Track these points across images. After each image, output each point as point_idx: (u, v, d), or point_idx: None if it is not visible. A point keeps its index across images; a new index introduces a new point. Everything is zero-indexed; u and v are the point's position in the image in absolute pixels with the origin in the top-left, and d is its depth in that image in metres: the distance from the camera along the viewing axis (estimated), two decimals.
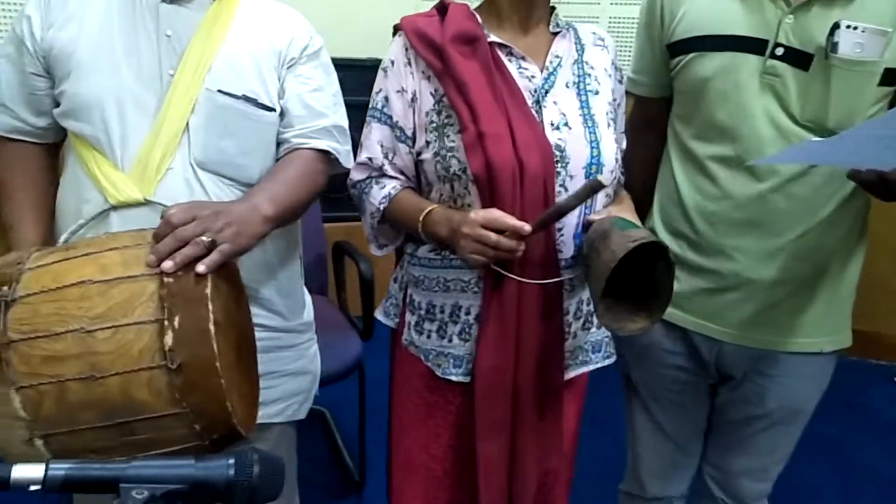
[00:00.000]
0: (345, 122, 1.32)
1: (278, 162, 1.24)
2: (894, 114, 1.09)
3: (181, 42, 1.16)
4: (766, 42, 1.20)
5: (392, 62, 1.27)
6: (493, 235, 1.12)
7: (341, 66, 2.96)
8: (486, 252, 1.14)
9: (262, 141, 1.22)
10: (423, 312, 1.32)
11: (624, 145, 1.41)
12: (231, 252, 0.98)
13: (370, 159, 1.30)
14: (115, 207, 1.12)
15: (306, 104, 1.25)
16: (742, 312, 1.30)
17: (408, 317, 1.35)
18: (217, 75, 1.17)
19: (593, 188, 1.08)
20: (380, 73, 1.30)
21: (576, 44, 1.30)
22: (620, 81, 1.36)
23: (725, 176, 1.26)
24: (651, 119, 1.44)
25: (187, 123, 1.14)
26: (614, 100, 1.32)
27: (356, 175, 1.34)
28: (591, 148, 1.21)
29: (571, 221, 1.21)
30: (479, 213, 1.15)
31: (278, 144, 1.26)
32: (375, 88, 1.30)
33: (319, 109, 1.26)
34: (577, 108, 1.24)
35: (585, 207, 1.22)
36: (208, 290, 0.90)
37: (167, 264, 0.90)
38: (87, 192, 1.15)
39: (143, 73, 1.15)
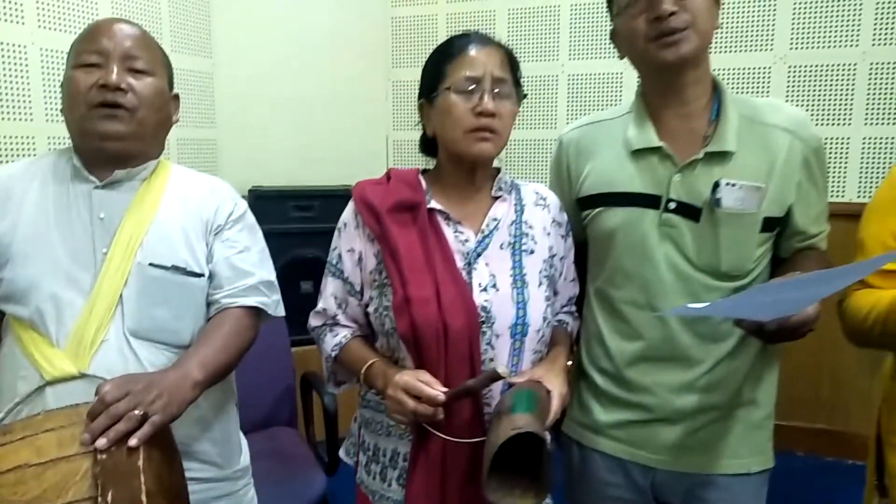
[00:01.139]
0: (271, 276, 1.42)
1: (208, 323, 1.33)
2: (770, 285, 1.21)
3: (113, 222, 1.27)
4: (660, 197, 1.33)
5: (345, 224, 1.40)
6: (410, 402, 1.19)
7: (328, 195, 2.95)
8: (405, 415, 1.21)
9: (192, 305, 1.31)
10: (370, 453, 1.39)
11: (576, 291, 1.50)
12: (162, 422, 1.05)
13: (325, 310, 1.41)
14: (50, 383, 1.18)
15: (233, 266, 1.35)
16: (669, 440, 1.37)
17: (360, 455, 1.42)
18: (148, 249, 1.27)
19: (492, 378, 1.18)
20: (336, 232, 1.42)
21: (516, 205, 1.40)
22: (565, 236, 1.45)
23: (637, 318, 1.36)
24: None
25: (121, 296, 1.23)
26: (553, 256, 1.40)
27: (313, 322, 1.45)
28: (518, 309, 1.30)
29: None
30: (402, 378, 1.22)
31: (209, 304, 1.34)
32: (332, 246, 1.42)
33: (246, 269, 1.36)
34: (508, 269, 1.33)
35: (513, 365, 1.30)
36: (140, 462, 0.97)
37: (100, 442, 0.97)
38: (22, 369, 1.21)
39: (77, 254, 1.24)
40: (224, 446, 1.39)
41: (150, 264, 1.26)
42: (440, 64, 1.32)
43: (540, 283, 1.34)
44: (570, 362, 1.40)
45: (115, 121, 1.26)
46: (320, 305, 1.42)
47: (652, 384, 1.36)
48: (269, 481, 1.57)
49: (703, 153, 1.30)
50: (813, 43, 2.71)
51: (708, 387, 1.34)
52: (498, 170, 1.41)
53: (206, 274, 1.33)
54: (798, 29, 2.73)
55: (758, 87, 2.80)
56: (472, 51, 1.30)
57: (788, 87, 2.76)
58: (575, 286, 1.49)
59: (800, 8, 2.71)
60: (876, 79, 2.64)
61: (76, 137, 1.30)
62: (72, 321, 1.21)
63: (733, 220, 1.29)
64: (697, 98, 1.35)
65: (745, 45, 2.79)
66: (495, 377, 1.18)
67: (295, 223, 3.05)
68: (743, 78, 2.82)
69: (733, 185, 1.27)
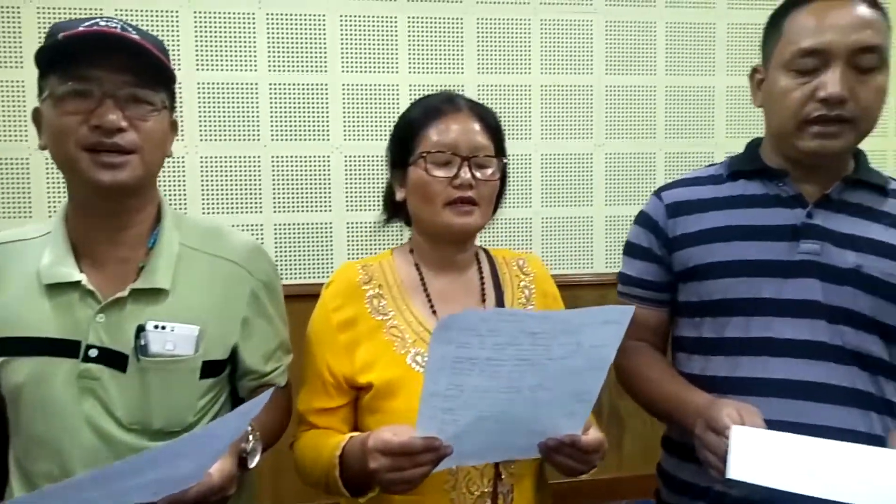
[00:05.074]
0: None
1: None
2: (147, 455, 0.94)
3: None
4: (79, 343, 1.10)
5: None
6: None
7: None
8: None
9: None
10: None
11: None
12: None
13: None
14: None
15: None
16: None
17: None
18: None
19: None
20: None
21: None
22: None
23: None
24: None
25: None
26: None
27: None
28: None
29: None
30: None
31: None
32: None
33: None
34: None
35: None
36: None
37: None
38: None
39: None
40: None
41: None
42: None
43: None
44: None
45: None
46: None
47: None
48: None
49: (128, 290, 1.11)
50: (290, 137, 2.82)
51: None
52: None
53: None
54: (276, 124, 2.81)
55: (248, 176, 2.78)
56: None
57: (274, 175, 2.81)
58: None
59: (276, 106, 2.80)
60: (350, 168, 2.86)
61: None
62: None
63: (165, 367, 1.12)
64: (138, 224, 1.16)
65: (235, 136, 2.76)
66: None
67: None
68: (232, 165, 2.77)
69: (163, 327, 1.11)
